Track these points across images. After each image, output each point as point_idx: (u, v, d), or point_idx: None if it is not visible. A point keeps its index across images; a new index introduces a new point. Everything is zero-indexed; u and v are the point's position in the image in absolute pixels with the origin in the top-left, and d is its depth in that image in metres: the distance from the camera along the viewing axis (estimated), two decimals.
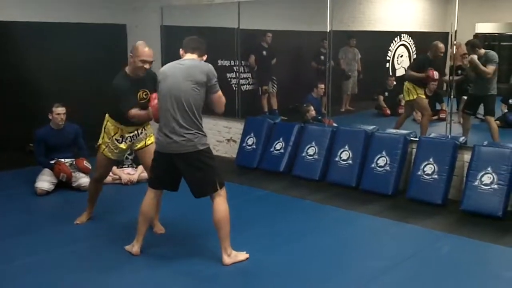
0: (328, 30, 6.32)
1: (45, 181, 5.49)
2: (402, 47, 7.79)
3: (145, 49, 4.06)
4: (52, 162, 5.58)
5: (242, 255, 3.89)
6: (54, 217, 4.90)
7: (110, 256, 4.01)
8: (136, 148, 4.48)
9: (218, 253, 3.86)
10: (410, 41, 7.80)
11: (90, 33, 7.71)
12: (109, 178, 5.91)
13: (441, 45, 6.28)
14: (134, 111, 4.10)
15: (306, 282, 3.62)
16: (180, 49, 3.86)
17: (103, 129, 4.42)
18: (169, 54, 7.66)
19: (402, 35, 7.72)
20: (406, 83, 6.52)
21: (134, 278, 3.70)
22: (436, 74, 6.30)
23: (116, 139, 4.36)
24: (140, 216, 3.95)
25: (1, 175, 6.20)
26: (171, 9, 7.78)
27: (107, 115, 4.40)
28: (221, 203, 3.77)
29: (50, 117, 5.63)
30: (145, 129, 4.45)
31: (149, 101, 4.08)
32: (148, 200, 3.93)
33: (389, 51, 7.73)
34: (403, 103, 6.92)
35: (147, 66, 4.08)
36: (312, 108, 6.84)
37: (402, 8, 7.94)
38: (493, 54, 5.76)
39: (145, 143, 4.45)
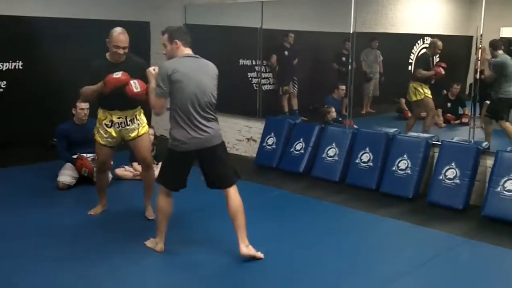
0: (351, 32, 6.30)
1: (67, 176, 5.56)
2: (425, 50, 7.73)
3: (119, 35, 4.28)
4: (74, 157, 5.64)
5: (258, 254, 3.89)
6: (75, 211, 4.96)
7: (128, 250, 4.04)
8: (129, 138, 4.56)
9: (228, 247, 3.88)
10: None
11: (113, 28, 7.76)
12: (129, 174, 5.99)
13: (440, 43, 6.57)
14: (85, 88, 4.35)
15: (321, 284, 3.60)
16: (176, 40, 3.79)
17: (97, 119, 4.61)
18: (192, 52, 7.69)
19: (425, 38, 7.65)
20: (412, 83, 6.58)
21: (151, 271, 3.73)
22: (442, 70, 6.44)
23: (105, 124, 4.50)
24: (160, 215, 3.97)
25: (24, 170, 6.30)
26: (194, 8, 7.83)
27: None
28: (237, 193, 3.91)
29: (74, 112, 5.70)
30: (136, 119, 4.54)
31: (126, 85, 4.19)
32: (165, 199, 3.93)
33: (411, 54, 7.67)
34: None
35: (120, 51, 4.30)
36: (333, 109, 6.82)
37: (425, 11, 7.87)
38: (497, 60, 5.74)
39: (138, 133, 4.56)
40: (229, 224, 3.91)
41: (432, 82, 6.67)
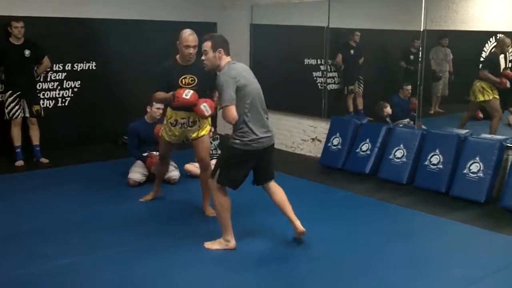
0: (421, 30, 6.15)
1: (137, 173, 5.73)
2: (494, 49, 7.43)
3: (189, 36, 4.43)
4: (145, 154, 5.80)
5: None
6: (144, 208, 5.10)
7: (186, 250, 4.11)
8: (191, 138, 4.75)
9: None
10: None
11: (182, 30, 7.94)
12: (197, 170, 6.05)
13: (508, 40, 6.39)
14: (158, 94, 4.58)
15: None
16: (221, 49, 3.89)
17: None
18: (258, 52, 7.76)
19: (498, 35, 7.35)
20: (480, 82, 6.37)
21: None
22: (508, 83, 6.27)
23: (170, 123, 4.71)
24: (223, 213, 4.02)
25: (96, 166, 6.55)
26: (261, 8, 7.86)
27: None
28: (277, 184, 4.16)
29: (148, 110, 5.84)
30: (198, 121, 4.67)
31: (195, 106, 4.40)
32: (224, 197, 4.01)
33: (483, 52, 7.39)
34: None
35: (190, 50, 4.43)
36: (388, 105, 6.69)
37: (498, 7, 7.56)
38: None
39: (198, 134, 4.70)
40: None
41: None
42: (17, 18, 6.32)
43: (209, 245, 4.11)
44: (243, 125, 3.86)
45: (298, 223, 4.08)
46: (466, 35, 7.52)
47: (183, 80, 4.49)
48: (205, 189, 4.83)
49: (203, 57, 3.98)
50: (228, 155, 4.00)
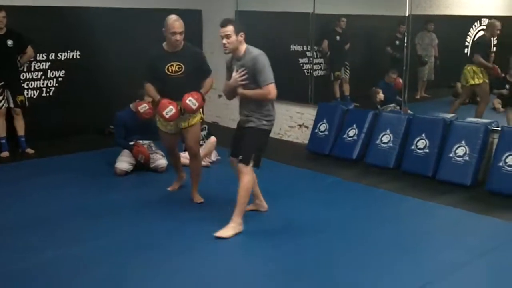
0: (407, 15, 6.15)
1: (124, 162, 5.70)
2: (482, 32, 7.46)
3: (175, 22, 4.38)
4: (131, 143, 5.77)
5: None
6: (132, 197, 5.08)
7: (181, 237, 4.12)
8: (181, 127, 4.69)
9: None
10: None
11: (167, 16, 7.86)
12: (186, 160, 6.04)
13: (498, 23, 6.43)
14: (148, 88, 4.58)
15: (379, 272, 3.58)
16: (242, 33, 4.10)
17: None
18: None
19: (482, 19, 7.38)
20: (471, 66, 6.42)
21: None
22: (500, 72, 6.35)
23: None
24: (248, 196, 4.14)
25: (82, 156, 6.49)
26: None
27: None
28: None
29: (137, 106, 5.71)
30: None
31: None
32: (252, 180, 4.17)
33: (468, 37, 7.42)
34: None
35: (177, 37, 4.37)
36: (380, 91, 6.71)
37: None
38: None
39: (188, 123, 4.66)
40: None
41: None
42: None
43: (222, 233, 4.03)
44: (269, 106, 4.14)
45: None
46: (451, 20, 7.54)
47: (170, 67, 4.45)
48: (193, 177, 4.84)
49: (224, 41, 4.05)
50: (261, 138, 4.17)
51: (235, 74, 4.11)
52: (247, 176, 4.07)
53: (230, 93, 4.27)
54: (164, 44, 4.51)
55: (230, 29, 4.02)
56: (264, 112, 4.11)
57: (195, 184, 4.87)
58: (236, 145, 4.24)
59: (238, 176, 4.13)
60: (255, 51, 4.09)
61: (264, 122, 4.11)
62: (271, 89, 4.03)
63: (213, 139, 6.05)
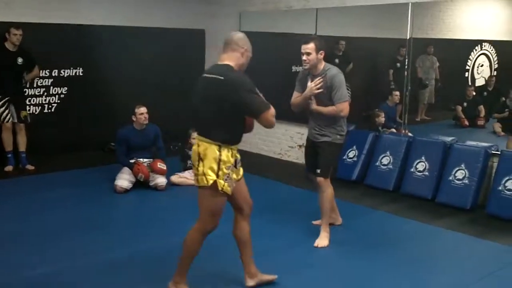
0: (408, 37, 6.20)
1: (124, 180, 5.70)
2: (483, 56, 7.50)
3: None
4: (132, 161, 5.78)
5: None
6: (131, 215, 5.08)
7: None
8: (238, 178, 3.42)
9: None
10: (492, 50, 7.49)
11: (171, 37, 7.98)
12: (185, 180, 5.99)
13: None
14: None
15: None
16: (322, 51, 4.20)
17: (215, 164, 3.19)
18: None
19: (483, 43, 7.43)
20: None
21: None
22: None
23: (233, 165, 3.30)
24: (330, 202, 4.43)
25: (83, 173, 6.50)
26: (249, 15, 7.89)
27: (215, 146, 3.20)
28: None
29: (134, 119, 5.83)
30: (237, 155, 3.38)
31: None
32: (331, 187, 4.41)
33: (469, 60, 7.45)
34: (482, 114, 6.68)
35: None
36: (382, 114, 6.73)
37: (484, 16, 7.64)
38: None
39: (237, 175, 3.39)
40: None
41: (490, 89, 6.49)
42: (17, 25, 6.30)
43: (321, 243, 4.29)
44: (342, 121, 4.29)
45: None
46: (452, 44, 7.59)
47: None
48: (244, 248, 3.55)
49: (304, 57, 4.17)
50: (336, 152, 4.42)
51: (310, 84, 4.21)
52: (329, 189, 4.33)
53: (300, 105, 4.41)
54: (232, 64, 3.45)
55: (311, 46, 4.13)
56: (338, 128, 4.28)
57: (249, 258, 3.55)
58: (312, 160, 4.39)
59: (318, 190, 4.36)
60: (334, 69, 4.22)
61: (338, 137, 4.31)
62: (345, 107, 4.19)
63: None
